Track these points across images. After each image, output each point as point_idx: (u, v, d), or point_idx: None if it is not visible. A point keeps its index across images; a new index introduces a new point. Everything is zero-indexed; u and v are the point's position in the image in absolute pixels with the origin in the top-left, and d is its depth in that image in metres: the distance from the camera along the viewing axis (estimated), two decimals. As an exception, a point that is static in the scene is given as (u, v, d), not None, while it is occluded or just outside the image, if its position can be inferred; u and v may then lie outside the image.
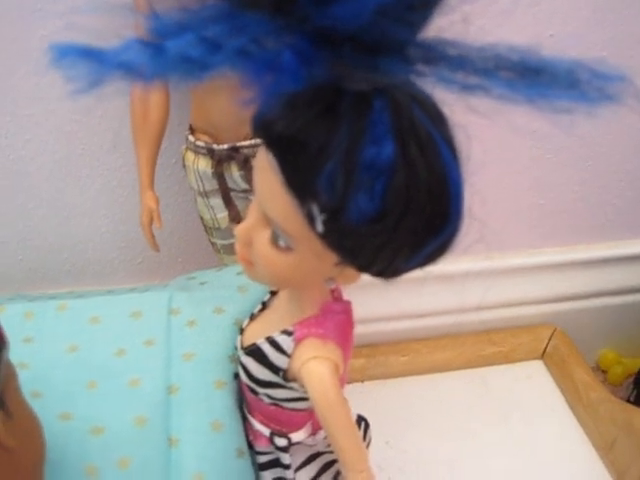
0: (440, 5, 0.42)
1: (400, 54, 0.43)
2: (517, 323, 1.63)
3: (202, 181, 1.06)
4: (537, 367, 1.64)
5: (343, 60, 0.42)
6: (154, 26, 0.41)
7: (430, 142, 0.48)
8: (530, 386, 1.58)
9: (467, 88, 0.43)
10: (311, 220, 0.49)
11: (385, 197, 0.46)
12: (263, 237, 0.58)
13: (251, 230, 0.59)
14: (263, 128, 0.50)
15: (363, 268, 0.55)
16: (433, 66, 0.44)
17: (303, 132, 0.47)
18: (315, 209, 0.48)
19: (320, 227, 0.49)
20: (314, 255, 0.56)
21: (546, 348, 1.63)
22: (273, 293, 0.80)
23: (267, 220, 0.56)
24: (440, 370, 1.58)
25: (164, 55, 0.41)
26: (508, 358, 1.62)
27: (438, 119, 0.50)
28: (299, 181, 0.49)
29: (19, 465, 0.58)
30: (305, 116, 0.47)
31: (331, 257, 0.54)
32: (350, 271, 0.59)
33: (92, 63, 0.40)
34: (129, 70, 0.41)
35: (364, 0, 0.39)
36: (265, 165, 0.52)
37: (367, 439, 0.90)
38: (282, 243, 0.56)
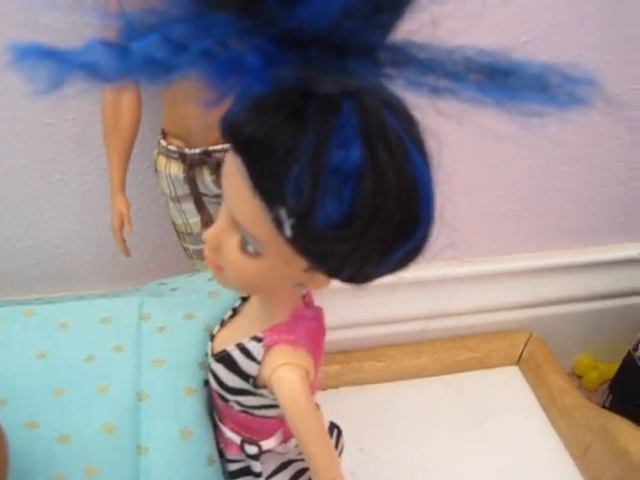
0: (409, 7, 0.42)
1: (369, 57, 0.43)
2: (492, 329, 1.63)
3: (174, 186, 1.05)
4: (512, 373, 1.64)
5: (310, 63, 0.41)
6: (119, 26, 0.41)
7: (400, 146, 0.47)
8: (505, 392, 1.58)
9: (437, 91, 0.43)
10: (279, 225, 0.49)
11: (353, 202, 0.46)
12: (232, 242, 0.57)
13: (220, 235, 0.58)
14: (231, 131, 0.49)
15: (333, 274, 0.55)
16: (402, 69, 0.44)
17: (270, 136, 0.46)
18: (283, 214, 0.48)
19: (288, 232, 0.49)
20: (283, 260, 0.55)
21: (522, 354, 1.63)
22: (244, 299, 0.80)
23: (236, 225, 0.56)
24: (415, 376, 1.58)
25: (128, 56, 0.40)
26: (483, 364, 1.62)
27: (408, 122, 0.50)
28: (267, 185, 0.48)
29: None
30: (272, 119, 0.46)
31: (300, 263, 0.54)
32: (320, 277, 0.59)
33: (53, 63, 0.39)
34: (91, 71, 0.40)
35: (330, 0, 0.38)
36: (233, 169, 0.52)
37: (340, 446, 0.90)
38: (251, 248, 0.56)
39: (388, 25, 0.43)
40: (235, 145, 0.50)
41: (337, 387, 1.53)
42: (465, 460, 1.38)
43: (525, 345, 1.62)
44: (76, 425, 0.79)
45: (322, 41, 0.40)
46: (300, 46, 0.40)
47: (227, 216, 0.57)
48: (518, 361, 1.65)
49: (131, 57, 0.40)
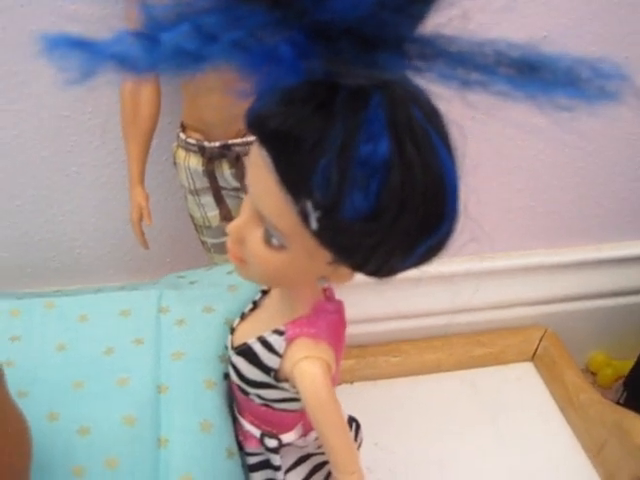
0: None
1: (398, 49, 0.43)
2: (507, 324, 1.63)
3: (193, 179, 1.05)
4: (527, 369, 1.64)
5: (340, 55, 0.41)
6: (148, 17, 0.41)
7: (426, 140, 0.48)
8: (520, 388, 1.58)
9: (466, 84, 0.43)
10: (305, 217, 0.49)
11: (380, 195, 0.46)
12: (256, 235, 0.57)
13: (243, 228, 0.58)
14: (257, 124, 0.49)
15: (357, 267, 0.55)
16: (432, 62, 0.43)
17: (298, 128, 0.46)
18: (309, 206, 0.48)
19: (314, 225, 0.49)
20: (307, 253, 0.55)
21: (536, 350, 1.63)
22: (264, 292, 0.80)
23: (260, 218, 0.56)
24: (430, 371, 1.58)
25: (158, 47, 0.40)
26: (498, 359, 1.62)
27: (434, 116, 0.50)
28: (293, 178, 0.48)
29: (7, 468, 0.57)
30: (300, 112, 0.46)
31: (325, 256, 0.54)
32: (344, 270, 0.59)
33: (84, 54, 0.39)
34: (122, 62, 0.40)
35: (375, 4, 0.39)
36: (258, 162, 0.51)
37: (358, 440, 0.90)
38: (275, 241, 0.56)
39: (418, 17, 0.43)
40: (261, 137, 0.50)
41: (352, 382, 1.53)
42: (479, 455, 1.38)
43: (540, 341, 1.62)
44: (96, 417, 0.79)
45: (352, 33, 0.40)
46: (330, 38, 0.40)
47: (251, 209, 0.57)
48: (533, 357, 1.64)
49: (161, 48, 0.40)
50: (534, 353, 1.64)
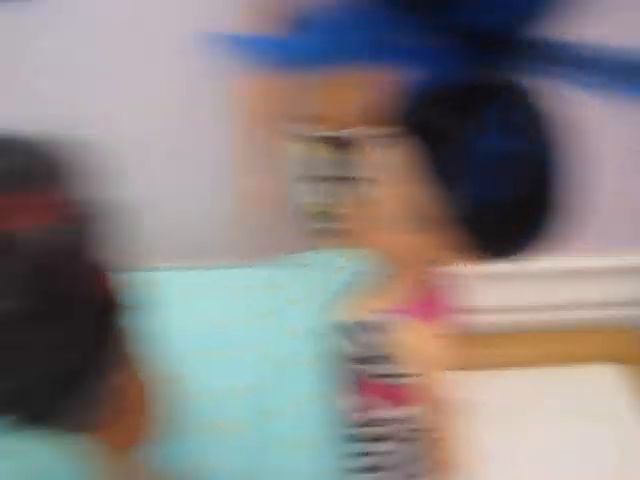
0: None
1: (529, 53, 0.47)
2: (594, 325, 1.64)
3: (300, 167, 1.11)
4: (612, 370, 1.63)
5: (480, 60, 0.46)
6: (302, 20, 0.46)
7: (553, 136, 0.53)
8: (603, 389, 1.58)
9: (590, 86, 0.47)
10: (443, 206, 0.54)
11: (514, 186, 0.51)
12: (380, 219, 0.62)
13: (365, 211, 0.64)
14: (401, 119, 0.54)
15: (475, 250, 0.59)
16: (559, 65, 0.48)
17: (436, 124, 0.51)
18: (446, 196, 0.53)
19: (443, 211, 0.54)
20: (427, 238, 0.60)
21: (622, 351, 1.63)
22: (374, 274, 0.82)
23: (382, 201, 0.61)
24: (515, 366, 1.59)
25: (310, 46, 0.45)
26: (579, 359, 1.62)
27: (553, 114, 0.54)
28: (429, 168, 0.53)
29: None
30: (439, 110, 0.51)
31: (444, 240, 0.59)
32: (458, 253, 0.62)
33: (235, 50, 0.44)
34: (279, 58, 0.45)
35: (507, 12, 0.43)
36: (399, 154, 0.56)
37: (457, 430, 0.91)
38: (393, 226, 0.61)
39: (546, 23, 0.47)
40: (404, 132, 0.55)
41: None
42: (559, 455, 1.40)
43: (626, 343, 1.62)
44: (218, 384, 0.84)
45: (495, 42, 0.45)
46: (477, 46, 0.45)
47: (373, 193, 0.62)
48: (618, 358, 1.64)
49: (311, 47, 0.44)
50: (619, 354, 1.63)
